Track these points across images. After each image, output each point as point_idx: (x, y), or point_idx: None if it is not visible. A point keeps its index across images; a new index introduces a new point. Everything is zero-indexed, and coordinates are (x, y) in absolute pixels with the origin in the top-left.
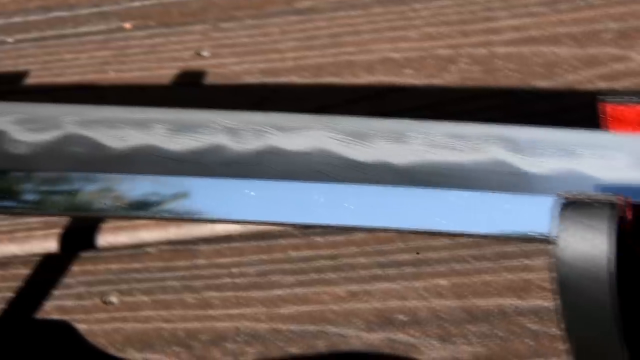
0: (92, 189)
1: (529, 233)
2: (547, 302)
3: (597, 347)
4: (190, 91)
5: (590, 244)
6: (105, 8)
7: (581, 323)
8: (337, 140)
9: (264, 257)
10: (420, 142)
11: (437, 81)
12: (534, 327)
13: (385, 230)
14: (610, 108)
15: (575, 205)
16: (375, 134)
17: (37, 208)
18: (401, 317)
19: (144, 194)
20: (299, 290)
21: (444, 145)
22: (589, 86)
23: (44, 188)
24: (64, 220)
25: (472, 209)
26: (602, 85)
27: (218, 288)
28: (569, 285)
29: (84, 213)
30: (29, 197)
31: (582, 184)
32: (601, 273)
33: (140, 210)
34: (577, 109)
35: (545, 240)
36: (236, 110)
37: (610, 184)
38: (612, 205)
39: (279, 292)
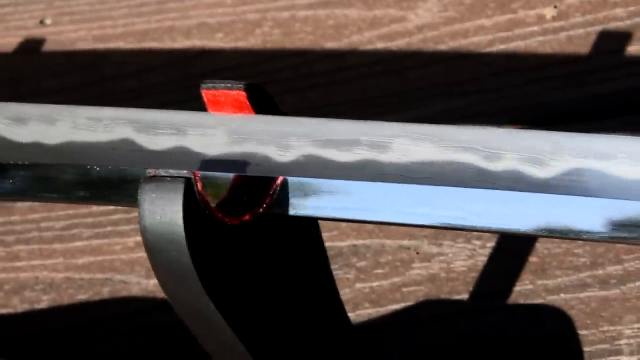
0: None
1: (128, 202)
2: None
3: (188, 302)
4: (29, 58)
5: (166, 214)
6: None
7: (172, 282)
8: (1, 124)
9: (70, 212)
10: (66, 124)
11: (242, 44)
12: None
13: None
14: (209, 93)
15: (153, 181)
16: (30, 117)
17: None
18: None
19: None
20: (95, 242)
21: (85, 126)
22: (369, 46)
23: None
24: None
25: (98, 182)
26: (380, 45)
27: (27, 242)
28: (155, 250)
29: None
30: None
31: (189, 159)
32: (178, 238)
33: None
34: (355, 68)
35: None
36: None
37: (211, 158)
38: (185, 180)
39: (78, 244)
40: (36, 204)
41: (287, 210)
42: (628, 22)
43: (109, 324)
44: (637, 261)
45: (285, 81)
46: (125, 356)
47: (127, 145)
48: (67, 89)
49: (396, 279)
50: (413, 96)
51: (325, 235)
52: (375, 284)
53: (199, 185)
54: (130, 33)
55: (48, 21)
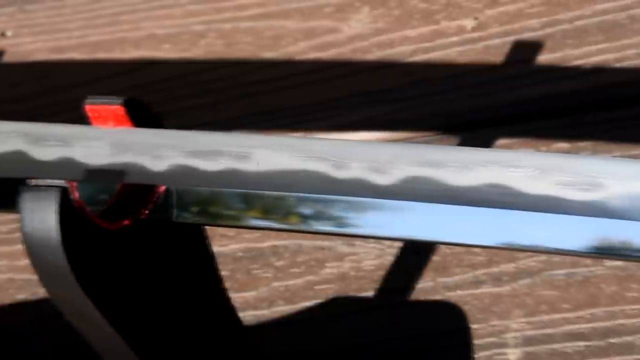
0: None
1: (14, 210)
2: (225, 248)
3: (70, 304)
4: None
5: (43, 221)
6: None
7: (52, 285)
8: None
9: (16, 216)
10: None
11: (187, 55)
12: None
13: None
14: (92, 108)
15: (32, 190)
16: None
17: None
18: None
19: None
20: None
21: None
22: (303, 56)
23: None
24: None
25: None
26: (313, 55)
27: None
28: (34, 255)
29: None
30: None
31: (74, 169)
32: (54, 243)
33: None
34: (289, 77)
35: None
36: None
37: (93, 168)
38: (60, 189)
39: (21, 246)
40: None
41: (169, 216)
42: (541, 32)
43: (45, 322)
44: (528, 259)
45: (223, 90)
46: (60, 352)
47: (18, 157)
48: (22, 99)
49: (310, 278)
50: (341, 103)
51: (247, 236)
52: (290, 282)
53: (76, 193)
54: (84, 44)
55: (9, 33)
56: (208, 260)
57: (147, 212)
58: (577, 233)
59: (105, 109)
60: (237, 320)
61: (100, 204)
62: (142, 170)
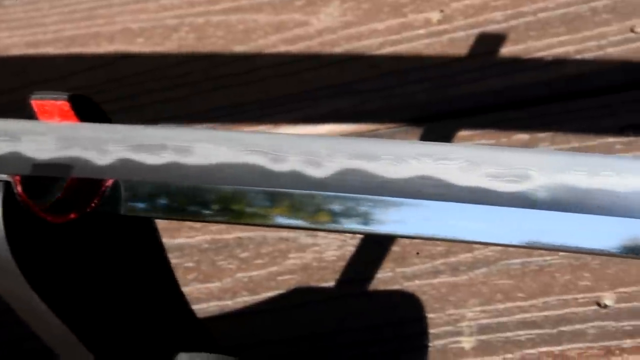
0: None
1: None
2: (191, 239)
3: (15, 295)
4: None
5: None
6: None
7: None
8: None
9: None
10: None
11: (160, 48)
12: (175, 260)
13: None
14: (38, 103)
15: None
16: None
17: None
18: None
19: None
20: None
21: None
22: (273, 49)
23: None
24: None
25: None
26: (283, 48)
27: None
28: None
29: None
30: None
31: (22, 164)
32: None
33: None
34: (260, 70)
35: None
36: None
37: (41, 162)
38: (4, 183)
39: None
40: None
41: (117, 209)
42: (504, 24)
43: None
44: (485, 249)
45: (195, 83)
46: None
47: None
48: None
49: (273, 269)
50: (310, 95)
51: (213, 228)
52: (254, 273)
53: (19, 187)
54: (59, 39)
55: None
56: (158, 252)
57: (92, 205)
58: (507, 224)
59: (51, 104)
60: (189, 311)
61: (49, 199)
62: (87, 165)
